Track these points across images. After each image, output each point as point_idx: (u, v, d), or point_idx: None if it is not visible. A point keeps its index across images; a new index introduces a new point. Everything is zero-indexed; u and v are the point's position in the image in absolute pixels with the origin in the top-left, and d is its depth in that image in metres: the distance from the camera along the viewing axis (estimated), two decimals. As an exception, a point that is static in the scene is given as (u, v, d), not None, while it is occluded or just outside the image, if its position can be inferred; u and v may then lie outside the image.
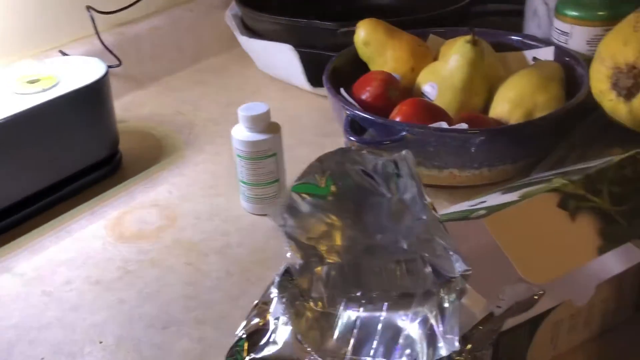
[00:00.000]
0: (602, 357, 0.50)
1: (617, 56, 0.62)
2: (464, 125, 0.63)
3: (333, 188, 0.49)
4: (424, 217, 0.47)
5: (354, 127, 0.67)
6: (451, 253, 0.46)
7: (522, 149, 0.65)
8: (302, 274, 0.52)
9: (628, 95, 0.62)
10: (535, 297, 0.45)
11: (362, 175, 0.47)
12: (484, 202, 0.49)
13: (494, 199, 0.49)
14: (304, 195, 0.49)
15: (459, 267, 0.46)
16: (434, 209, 0.46)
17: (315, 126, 0.82)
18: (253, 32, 0.91)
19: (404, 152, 0.44)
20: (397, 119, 0.66)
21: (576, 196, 0.45)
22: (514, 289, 0.45)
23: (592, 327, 0.50)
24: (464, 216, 0.47)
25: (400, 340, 0.47)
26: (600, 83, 0.64)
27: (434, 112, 0.66)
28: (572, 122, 0.69)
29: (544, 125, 0.64)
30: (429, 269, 0.48)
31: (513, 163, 0.65)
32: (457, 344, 0.43)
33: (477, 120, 0.67)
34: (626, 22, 0.64)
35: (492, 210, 0.45)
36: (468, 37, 0.69)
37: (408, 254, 0.49)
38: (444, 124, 0.64)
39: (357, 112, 0.66)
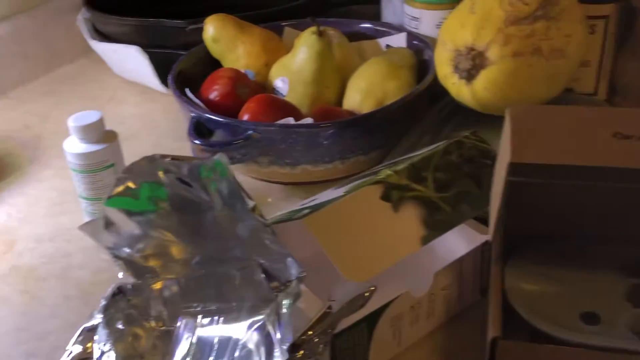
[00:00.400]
0: (448, 345, 0.49)
1: (456, 39, 0.62)
2: (309, 120, 0.61)
3: (161, 203, 0.46)
4: (254, 222, 0.45)
5: (201, 129, 0.63)
6: (285, 257, 0.44)
7: (372, 139, 0.63)
8: (137, 293, 0.49)
9: (469, 77, 0.62)
10: (367, 294, 0.43)
11: (178, 184, 0.44)
12: (315, 199, 0.48)
13: (326, 195, 0.48)
14: (127, 210, 0.46)
15: (293, 270, 0.44)
16: (260, 212, 0.44)
17: (174, 130, 0.78)
18: (104, 36, 0.86)
19: (217, 155, 0.42)
20: (245, 118, 0.63)
21: (400, 186, 0.44)
22: (343, 287, 0.43)
23: (437, 317, 0.49)
24: (289, 217, 0.45)
25: (237, 353, 0.45)
26: (443, 67, 0.64)
27: (282, 107, 0.64)
28: (424, 107, 0.69)
29: (391, 112, 0.63)
30: (262, 276, 0.46)
31: (365, 154, 0.64)
32: (287, 352, 0.41)
33: (330, 113, 0.66)
34: (463, 4, 0.64)
35: (315, 208, 0.43)
36: (313, 29, 0.68)
37: (244, 261, 0.47)
38: (291, 120, 0.62)
39: (201, 113, 0.63)
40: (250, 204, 0.43)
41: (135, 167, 0.42)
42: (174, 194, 0.44)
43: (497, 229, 0.40)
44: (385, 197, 0.43)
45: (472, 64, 0.61)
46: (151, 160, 0.42)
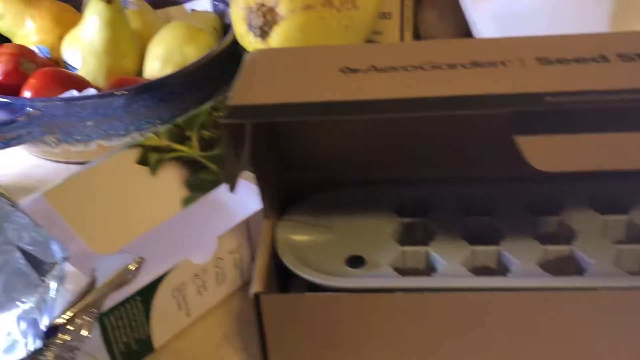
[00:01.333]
0: (242, 308, 0.47)
1: (246, -5, 0.60)
2: (92, 91, 0.57)
3: None
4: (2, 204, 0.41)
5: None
6: (47, 238, 0.40)
7: (170, 106, 0.60)
8: None
9: (263, 34, 0.60)
10: (133, 267, 0.41)
11: None
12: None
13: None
14: None
15: (56, 251, 0.41)
16: (4, 192, 0.40)
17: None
18: None
19: None
20: (27, 95, 0.58)
21: (159, 148, 0.41)
22: (107, 261, 0.40)
23: (230, 282, 0.47)
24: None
25: (1, 344, 0.41)
26: (238, 26, 0.61)
27: (67, 80, 0.59)
28: (229, 70, 0.66)
29: (186, 77, 0.60)
30: (22, 262, 0.42)
31: (165, 123, 0.60)
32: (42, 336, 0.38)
33: (127, 83, 0.62)
34: (252, -41, 0.62)
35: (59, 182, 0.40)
36: (101, -5, 0.63)
37: (8, 248, 0.43)
38: (74, 93, 0.57)
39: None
40: (-9, 183, 0.39)
41: None
42: None
43: (260, 181, 0.38)
44: (143, 161, 0.40)
45: (263, 20, 0.59)
46: None
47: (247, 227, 0.47)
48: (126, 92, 0.57)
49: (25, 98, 0.57)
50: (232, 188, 0.33)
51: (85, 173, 0.39)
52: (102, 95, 0.57)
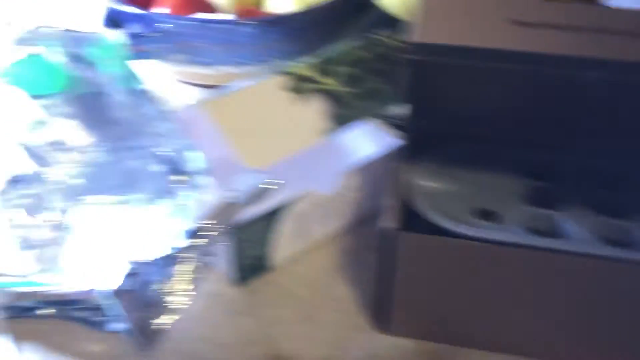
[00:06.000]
0: (353, 244, 0.49)
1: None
2: (230, 16, 0.59)
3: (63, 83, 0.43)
4: (151, 109, 0.43)
5: (114, 22, 0.60)
6: (186, 147, 0.42)
7: (295, 43, 0.61)
8: (33, 183, 0.47)
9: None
10: (270, 188, 0.43)
11: (73, 63, 0.41)
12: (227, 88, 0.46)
13: (236, 85, 0.46)
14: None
15: (195, 160, 0.43)
16: (156, 98, 0.42)
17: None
18: None
19: (111, 33, 0.39)
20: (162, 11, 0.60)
21: (307, 78, 0.42)
22: (245, 178, 0.43)
23: (345, 217, 0.49)
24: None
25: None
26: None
27: (197, 3, 0.61)
28: (350, 16, 0.67)
29: (316, 15, 0.61)
30: (162, 166, 0.45)
31: (289, 57, 0.61)
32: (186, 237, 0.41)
33: (253, 15, 0.63)
34: None
35: (220, 95, 0.42)
36: None
37: (145, 150, 0.45)
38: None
39: (112, 4, 0.60)
40: (144, 88, 0.41)
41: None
42: (71, 75, 0.42)
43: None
44: (292, 88, 0.42)
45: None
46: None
47: (372, 168, 0.48)
48: (259, 23, 0.58)
49: (161, 14, 0.59)
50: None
51: (240, 92, 0.41)
52: (236, 22, 0.58)
